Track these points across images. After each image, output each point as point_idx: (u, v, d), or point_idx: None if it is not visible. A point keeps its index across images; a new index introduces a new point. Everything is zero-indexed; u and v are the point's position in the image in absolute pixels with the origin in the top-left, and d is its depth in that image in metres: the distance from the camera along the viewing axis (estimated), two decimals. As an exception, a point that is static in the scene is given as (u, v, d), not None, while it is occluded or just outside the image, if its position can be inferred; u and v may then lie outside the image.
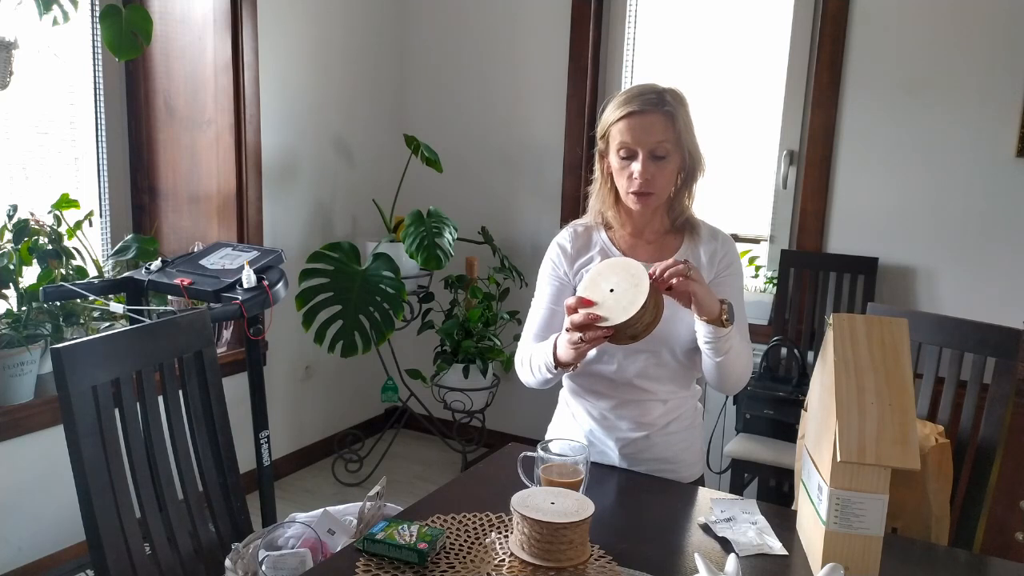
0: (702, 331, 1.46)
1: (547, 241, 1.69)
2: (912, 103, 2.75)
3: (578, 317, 1.34)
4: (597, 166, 1.61)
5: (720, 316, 1.41)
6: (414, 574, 1.16)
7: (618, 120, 1.51)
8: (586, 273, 1.47)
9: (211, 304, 2.16)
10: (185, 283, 2.20)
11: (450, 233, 3.09)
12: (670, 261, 1.36)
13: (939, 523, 1.61)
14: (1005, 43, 2.60)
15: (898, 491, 1.58)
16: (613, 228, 1.63)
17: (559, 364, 1.47)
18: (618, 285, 1.35)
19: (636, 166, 1.49)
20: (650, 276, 1.33)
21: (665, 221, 1.60)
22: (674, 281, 1.34)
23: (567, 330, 1.38)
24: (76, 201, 2.47)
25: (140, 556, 1.33)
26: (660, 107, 1.49)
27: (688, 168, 1.55)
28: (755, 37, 3.04)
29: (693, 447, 1.66)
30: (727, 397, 2.90)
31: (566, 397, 1.69)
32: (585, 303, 1.34)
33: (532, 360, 1.56)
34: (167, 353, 1.47)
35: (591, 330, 1.32)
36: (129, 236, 2.63)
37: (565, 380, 1.68)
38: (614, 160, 1.54)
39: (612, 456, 1.60)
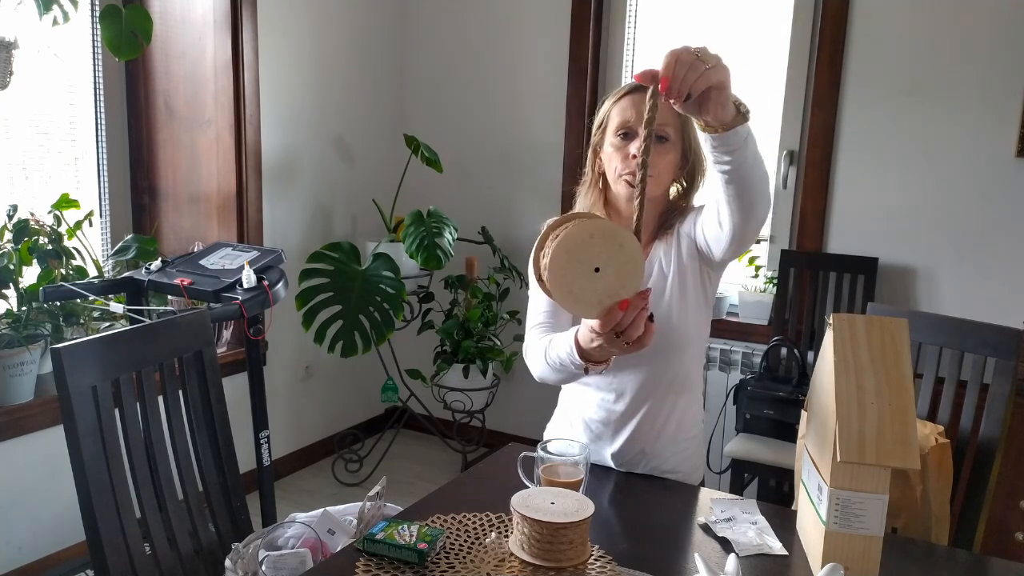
0: (722, 141, 1.15)
1: (547, 242, 1.67)
2: (912, 103, 2.75)
3: (607, 322, 1.10)
4: (588, 163, 1.53)
5: (739, 110, 1.14)
6: (414, 574, 1.16)
7: (620, 98, 1.43)
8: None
9: (211, 304, 2.16)
10: (185, 283, 2.20)
11: (450, 233, 3.09)
12: (671, 63, 1.04)
13: (939, 523, 1.61)
14: (1005, 43, 2.60)
15: (898, 491, 1.58)
16: None
17: (590, 361, 1.25)
18: (596, 261, 1.08)
19: (634, 145, 1.40)
20: (661, 92, 1.06)
21: (654, 227, 1.51)
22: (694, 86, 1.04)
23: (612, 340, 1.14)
24: (76, 201, 2.47)
25: (140, 556, 1.33)
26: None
27: (689, 168, 1.47)
28: (755, 37, 3.05)
29: (693, 458, 1.59)
30: (727, 397, 2.90)
31: (564, 405, 1.65)
32: (622, 307, 1.08)
33: (548, 353, 1.37)
34: (167, 353, 1.46)
35: (632, 325, 1.09)
36: (129, 236, 2.62)
37: (563, 388, 1.64)
38: (609, 145, 1.44)
39: (609, 465, 1.57)
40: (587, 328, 1.19)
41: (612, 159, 1.45)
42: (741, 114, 1.14)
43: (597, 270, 1.08)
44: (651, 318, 1.14)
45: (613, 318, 1.09)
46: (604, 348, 1.16)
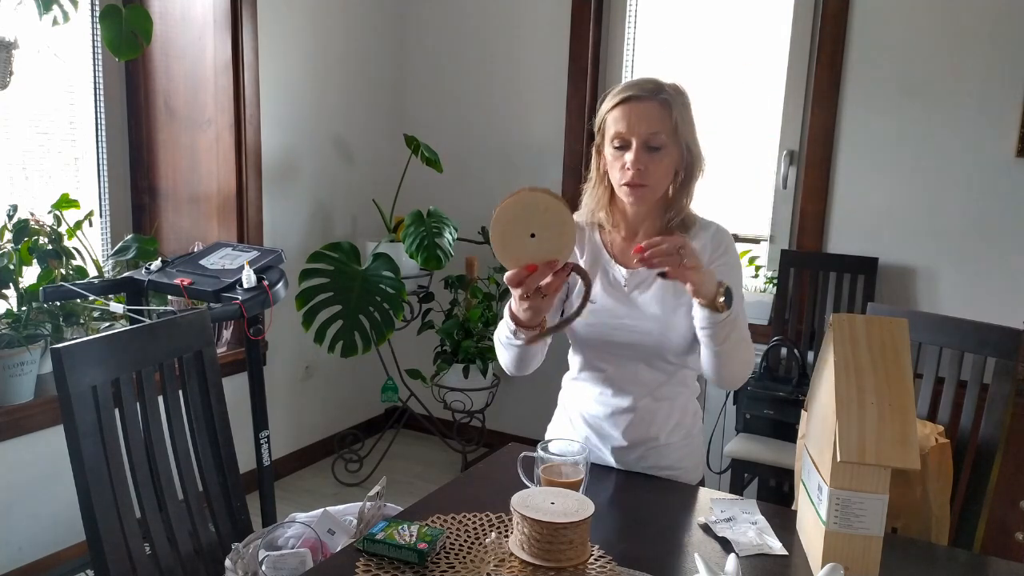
0: (699, 316, 1.39)
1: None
2: (912, 103, 2.75)
3: (512, 275, 1.26)
4: (593, 162, 1.55)
5: (715, 300, 1.35)
6: (414, 574, 1.16)
7: (613, 108, 1.46)
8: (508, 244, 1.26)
9: (211, 304, 2.16)
10: (185, 283, 2.20)
11: (450, 233, 3.09)
12: (658, 241, 1.27)
13: (939, 523, 1.61)
14: (1005, 43, 2.60)
15: (898, 491, 1.58)
16: (605, 229, 1.57)
17: (521, 326, 1.37)
18: (536, 228, 1.22)
19: (629, 156, 1.43)
20: (641, 260, 1.26)
21: (659, 223, 1.53)
22: (667, 270, 1.29)
23: (518, 298, 1.31)
24: (76, 201, 2.47)
25: (140, 556, 1.33)
26: (656, 95, 1.43)
27: (686, 166, 1.48)
28: (755, 37, 3.04)
29: (692, 456, 1.60)
30: (727, 397, 2.90)
31: (564, 402, 1.66)
32: (530, 269, 1.24)
33: (499, 335, 1.48)
34: (167, 353, 1.46)
35: (543, 280, 1.25)
36: (129, 236, 2.62)
37: (563, 386, 1.65)
38: (608, 152, 1.48)
39: (609, 463, 1.58)
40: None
41: (612, 167, 1.49)
42: (715, 305, 1.35)
43: (533, 236, 1.22)
44: (573, 274, 1.30)
45: (519, 275, 1.25)
46: (518, 304, 1.32)
